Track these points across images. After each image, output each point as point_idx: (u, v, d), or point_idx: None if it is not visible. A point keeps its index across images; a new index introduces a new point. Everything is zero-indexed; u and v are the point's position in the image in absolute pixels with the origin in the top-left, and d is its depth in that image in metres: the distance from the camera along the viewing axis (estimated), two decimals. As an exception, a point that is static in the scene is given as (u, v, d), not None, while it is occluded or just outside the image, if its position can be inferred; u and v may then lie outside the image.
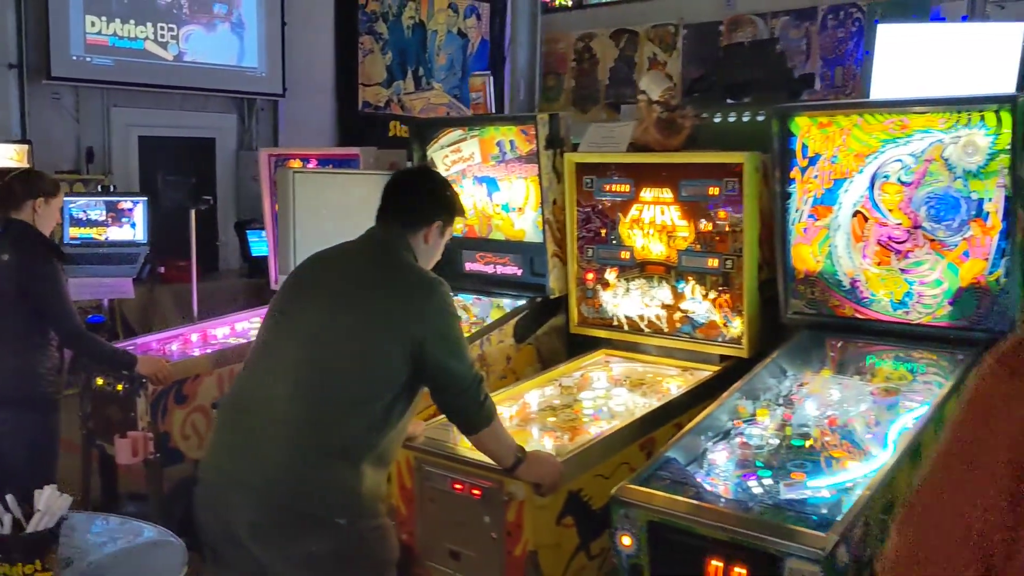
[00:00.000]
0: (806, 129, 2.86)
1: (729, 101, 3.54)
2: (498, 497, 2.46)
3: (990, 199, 2.57)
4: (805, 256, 2.94)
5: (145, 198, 5.56)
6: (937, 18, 8.04)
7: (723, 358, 3.10)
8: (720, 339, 3.09)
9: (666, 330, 3.23)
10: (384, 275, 2.18)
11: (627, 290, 3.30)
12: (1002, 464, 1.01)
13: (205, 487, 2.13)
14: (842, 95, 8.66)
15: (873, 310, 2.84)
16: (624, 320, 3.33)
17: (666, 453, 2.41)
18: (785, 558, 1.96)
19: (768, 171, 2.95)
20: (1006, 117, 2.49)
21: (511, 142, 3.50)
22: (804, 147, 2.87)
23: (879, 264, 2.80)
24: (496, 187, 3.60)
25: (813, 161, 2.87)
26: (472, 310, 3.68)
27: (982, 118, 2.54)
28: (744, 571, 2.01)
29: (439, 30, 9.57)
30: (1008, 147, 2.50)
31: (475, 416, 2.24)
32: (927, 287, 2.73)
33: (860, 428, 2.52)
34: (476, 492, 2.51)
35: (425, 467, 2.64)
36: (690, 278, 3.14)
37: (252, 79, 7.93)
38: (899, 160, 2.71)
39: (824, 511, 2.11)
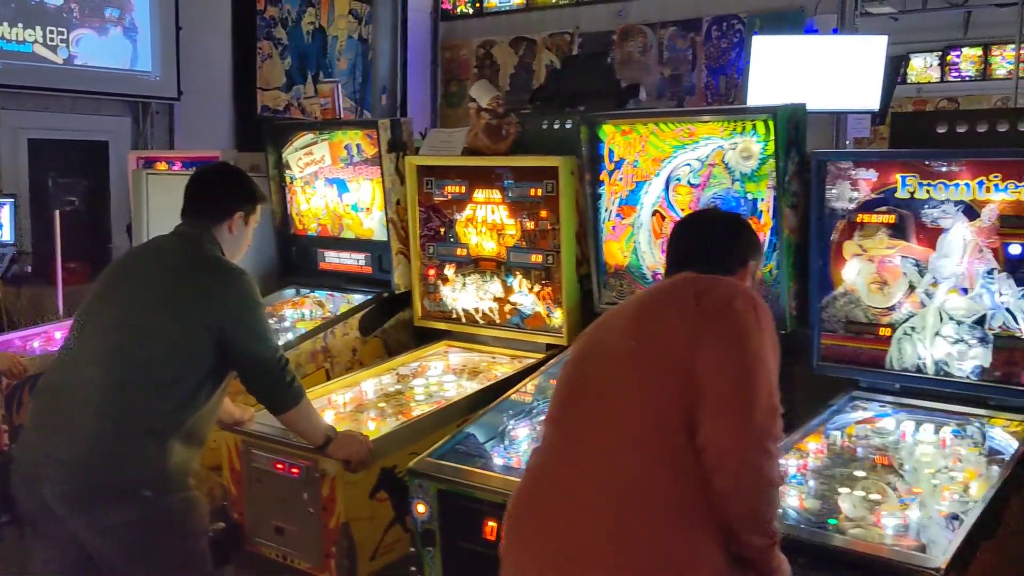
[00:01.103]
0: (611, 136, 3.13)
1: (567, 109, 3.81)
2: (313, 475, 2.66)
3: (763, 199, 2.87)
4: (614, 251, 3.21)
5: (11, 199, 5.60)
6: (811, 30, 8.50)
7: (548, 346, 3.34)
8: (544, 329, 3.35)
9: (498, 321, 3.47)
10: (188, 267, 2.36)
11: (464, 285, 3.53)
12: None
13: (19, 464, 2.28)
14: (724, 103, 9.09)
15: (672, 300, 3.11)
16: (462, 313, 3.56)
17: (466, 429, 2.64)
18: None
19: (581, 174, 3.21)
20: (772, 126, 2.79)
21: (358, 146, 3.70)
22: (611, 152, 3.15)
23: (676, 258, 3.08)
24: (346, 188, 3.80)
25: (619, 165, 3.14)
26: (327, 306, 3.87)
27: (754, 127, 2.84)
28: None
29: (339, 35, 9.71)
30: (774, 152, 2.80)
31: (282, 397, 2.43)
32: (715, 278, 3.01)
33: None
34: (295, 471, 2.71)
35: (251, 450, 2.83)
36: (517, 273, 3.39)
37: (146, 83, 7.97)
38: (688, 164, 3.00)
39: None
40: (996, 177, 2.48)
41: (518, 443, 2.69)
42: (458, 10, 10.69)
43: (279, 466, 2.74)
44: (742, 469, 1.54)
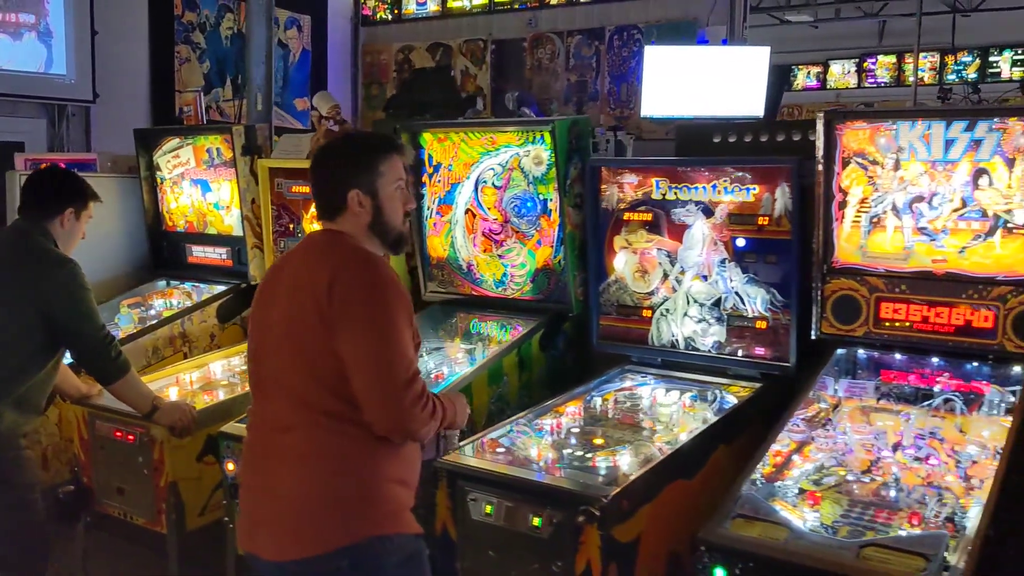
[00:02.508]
0: (430, 143, 3.54)
1: (416, 118, 4.20)
2: (145, 440, 3.03)
3: (552, 199, 3.30)
4: (436, 246, 3.62)
5: None
6: (702, 41, 9.00)
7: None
8: (377, 315, 3.74)
9: (339, 309, 3.85)
10: (20, 257, 2.72)
11: (311, 276, 3.91)
12: None
13: None
14: (626, 109, 9.58)
15: (483, 288, 3.54)
16: (310, 301, 3.94)
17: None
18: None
19: (406, 176, 3.61)
20: (553, 136, 3.21)
21: (218, 149, 4.07)
22: (430, 157, 3.56)
23: (484, 251, 3.50)
24: (208, 188, 4.17)
25: (437, 169, 3.55)
26: (194, 296, 4.22)
27: (543, 136, 3.26)
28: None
29: (259, 40, 9.99)
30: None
31: (108, 370, 2.80)
32: (516, 269, 3.45)
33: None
34: (131, 438, 3.07)
35: (96, 420, 3.18)
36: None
37: (60, 86, 8.19)
38: (492, 169, 3.42)
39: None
40: (725, 181, 2.94)
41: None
42: (378, 16, 11.05)
43: (118, 433, 3.10)
44: (393, 429, 1.89)
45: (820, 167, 2.72)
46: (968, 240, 2.57)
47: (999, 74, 16.08)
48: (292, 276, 1.99)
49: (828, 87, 17.79)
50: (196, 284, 4.22)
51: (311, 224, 3.86)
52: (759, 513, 2.11)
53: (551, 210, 3.30)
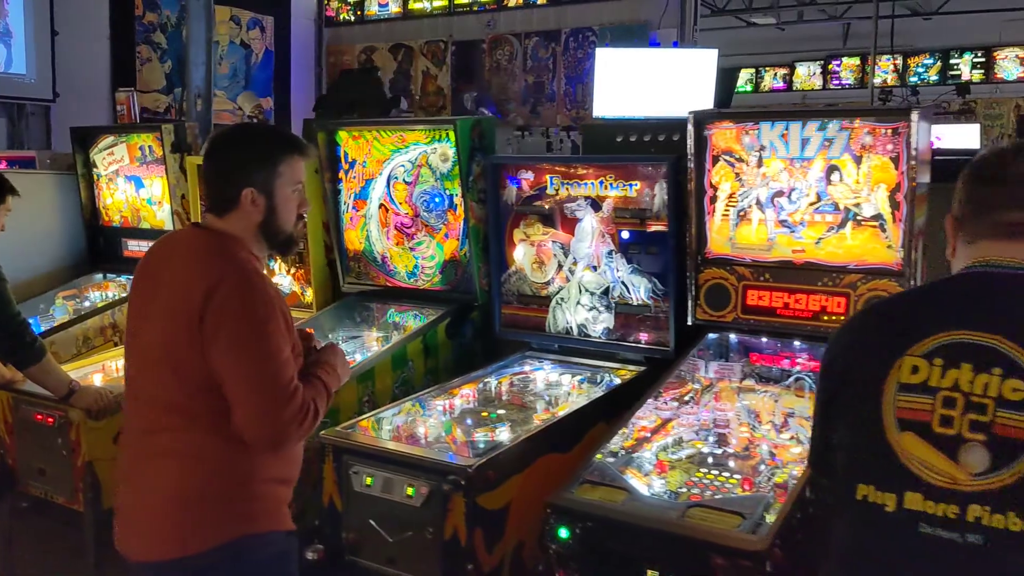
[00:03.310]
0: (346, 140, 3.72)
1: (344, 116, 4.38)
2: (63, 422, 3.19)
3: (457, 194, 3.48)
4: (352, 239, 3.79)
5: None
6: (654, 43, 9.22)
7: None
8: (299, 305, 3.91)
9: (264, 300, 4.02)
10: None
11: (237, 268, 4.07)
12: None
13: None
14: (582, 109, 9.79)
15: (396, 279, 3.72)
16: (237, 293, 4.10)
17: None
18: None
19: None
20: (455, 135, 3.40)
21: (150, 147, 4.23)
22: (345, 154, 3.73)
23: (397, 244, 3.68)
24: (142, 184, 4.33)
25: (352, 165, 3.73)
26: (128, 288, 4.37)
27: (447, 135, 3.44)
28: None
29: (221, 41, 10.13)
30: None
31: (24, 355, 2.96)
32: (426, 261, 3.63)
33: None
34: (51, 420, 3.23)
35: (20, 405, 3.34)
36: (277, 258, 3.95)
37: (20, 85, 8.32)
38: (403, 165, 3.60)
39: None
40: (611, 178, 3.13)
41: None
42: (341, 17, 11.21)
43: (39, 416, 3.26)
44: (270, 446, 1.86)
45: (692, 165, 2.92)
46: (823, 232, 2.77)
47: (959, 76, 16.41)
48: (169, 279, 1.91)
49: (794, 88, 18.09)
50: (131, 277, 4.36)
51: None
52: (604, 479, 2.30)
53: (456, 205, 3.48)
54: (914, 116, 2.56)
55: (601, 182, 3.15)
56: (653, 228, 3.06)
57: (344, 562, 2.65)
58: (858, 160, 2.69)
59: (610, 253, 3.17)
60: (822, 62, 18.60)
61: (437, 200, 3.54)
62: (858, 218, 2.71)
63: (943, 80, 16.81)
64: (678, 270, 3.03)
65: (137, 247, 4.40)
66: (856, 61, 18.38)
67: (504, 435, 2.70)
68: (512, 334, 3.45)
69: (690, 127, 2.90)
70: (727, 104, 7.78)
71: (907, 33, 16.22)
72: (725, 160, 2.89)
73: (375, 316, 3.71)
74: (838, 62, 18.47)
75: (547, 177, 3.27)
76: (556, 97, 9.86)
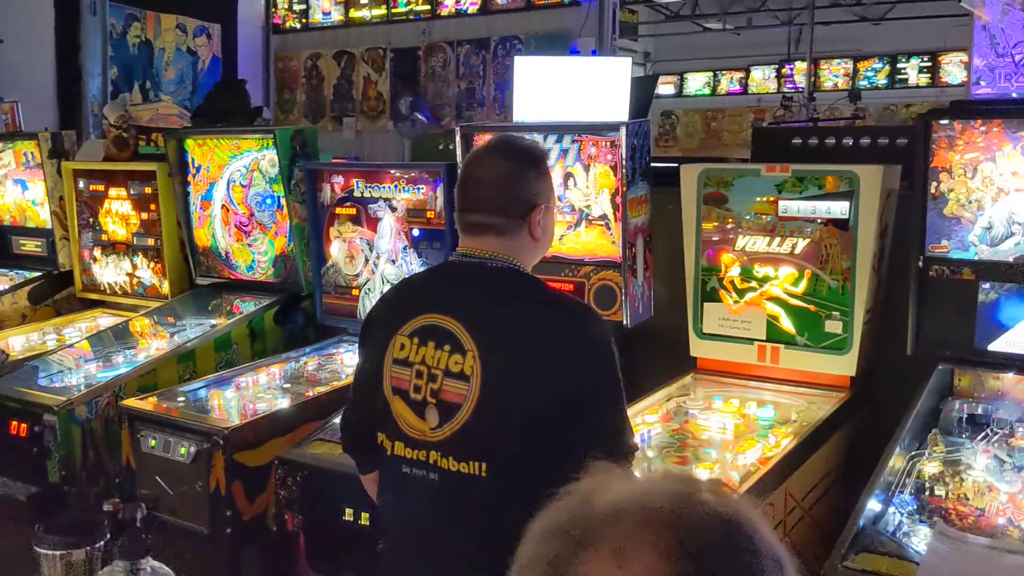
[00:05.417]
0: (193, 147, 4.14)
1: (219, 125, 4.79)
2: None
3: (282, 195, 3.89)
4: (201, 236, 4.21)
5: None
6: (574, 51, 9.64)
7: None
8: (157, 296, 4.33)
9: (130, 291, 4.44)
10: None
11: (107, 264, 4.50)
12: None
13: None
14: (508, 113, 10.21)
15: (238, 272, 4.14)
16: (108, 285, 4.53)
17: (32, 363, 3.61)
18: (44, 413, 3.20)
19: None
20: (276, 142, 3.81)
21: (32, 153, 4.65)
22: (193, 160, 4.15)
23: (237, 241, 4.10)
24: (26, 187, 4.74)
25: (199, 170, 4.14)
26: (15, 281, 4.79)
27: (274, 143, 3.86)
28: (20, 424, 3.23)
29: (167, 48, 10.57)
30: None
31: None
32: (262, 256, 4.05)
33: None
34: None
35: None
36: (139, 253, 4.37)
37: (-39, 91, 8.76)
38: (239, 170, 4.02)
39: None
40: (403, 182, 3.55)
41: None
42: (288, 24, 11.65)
43: None
44: None
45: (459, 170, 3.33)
46: (564, 230, 3.19)
47: (906, 80, 16.88)
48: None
49: (750, 92, 18.53)
50: (20, 272, 4.79)
51: (104, 218, 4.45)
52: (334, 437, 2.72)
53: (283, 205, 3.90)
54: (622, 131, 2.98)
55: (396, 186, 3.57)
56: (436, 226, 3.48)
57: (148, 517, 3.06)
58: (587, 168, 3.11)
59: (405, 248, 3.58)
60: (776, 66, 19.02)
61: (268, 201, 3.96)
62: (589, 218, 3.13)
63: (891, 84, 17.29)
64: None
65: (24, 245, 4.83)
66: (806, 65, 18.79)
67: (281, 404, 3.13)
68: (332, 321, 3.87)
69: (457, 137, 3.31)
70: (645, 111, 8.21)
71: (856, 38, 16.69)
72: (487, 167, 3.31)
73: (223, 306, 4.13)
74: (791, 66, 18.89)
75: (354, 181, 3.69)
76: (486, 102, 10.31)
